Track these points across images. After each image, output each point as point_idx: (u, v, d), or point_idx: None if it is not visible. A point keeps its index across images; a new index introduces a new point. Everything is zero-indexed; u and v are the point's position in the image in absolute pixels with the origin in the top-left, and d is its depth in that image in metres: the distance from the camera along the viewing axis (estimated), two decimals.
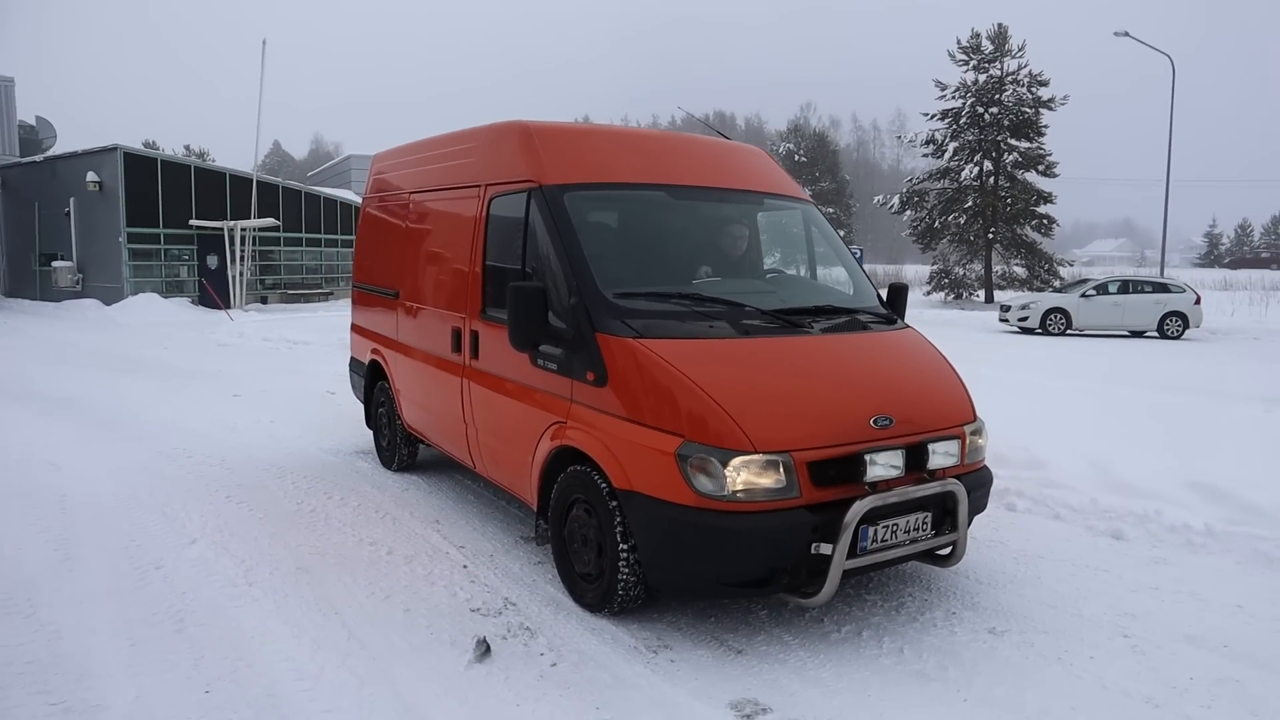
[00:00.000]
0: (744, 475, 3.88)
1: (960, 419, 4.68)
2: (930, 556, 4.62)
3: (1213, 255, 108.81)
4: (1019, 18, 35.25)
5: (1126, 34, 26.32)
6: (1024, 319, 22.93)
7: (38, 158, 27.25)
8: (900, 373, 4.75)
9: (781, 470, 3.93)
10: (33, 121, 30.26)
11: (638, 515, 4.10)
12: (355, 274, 7.91)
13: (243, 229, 23.95)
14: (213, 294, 22.91)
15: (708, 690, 3.77)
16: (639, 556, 4.19)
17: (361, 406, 7.96)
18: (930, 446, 4.36)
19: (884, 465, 4.16)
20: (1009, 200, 34.94)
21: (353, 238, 29.93)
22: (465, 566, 5.14)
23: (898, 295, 5.55)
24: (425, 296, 6.24)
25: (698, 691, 3.76)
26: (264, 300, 26.08)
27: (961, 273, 37.69)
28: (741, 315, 4.61)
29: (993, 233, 35.02)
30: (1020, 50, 33.85)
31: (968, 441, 4.65)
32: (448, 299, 5.84)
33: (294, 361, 14.35)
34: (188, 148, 68.09)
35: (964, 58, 34.85)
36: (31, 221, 26.36)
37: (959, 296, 37.16)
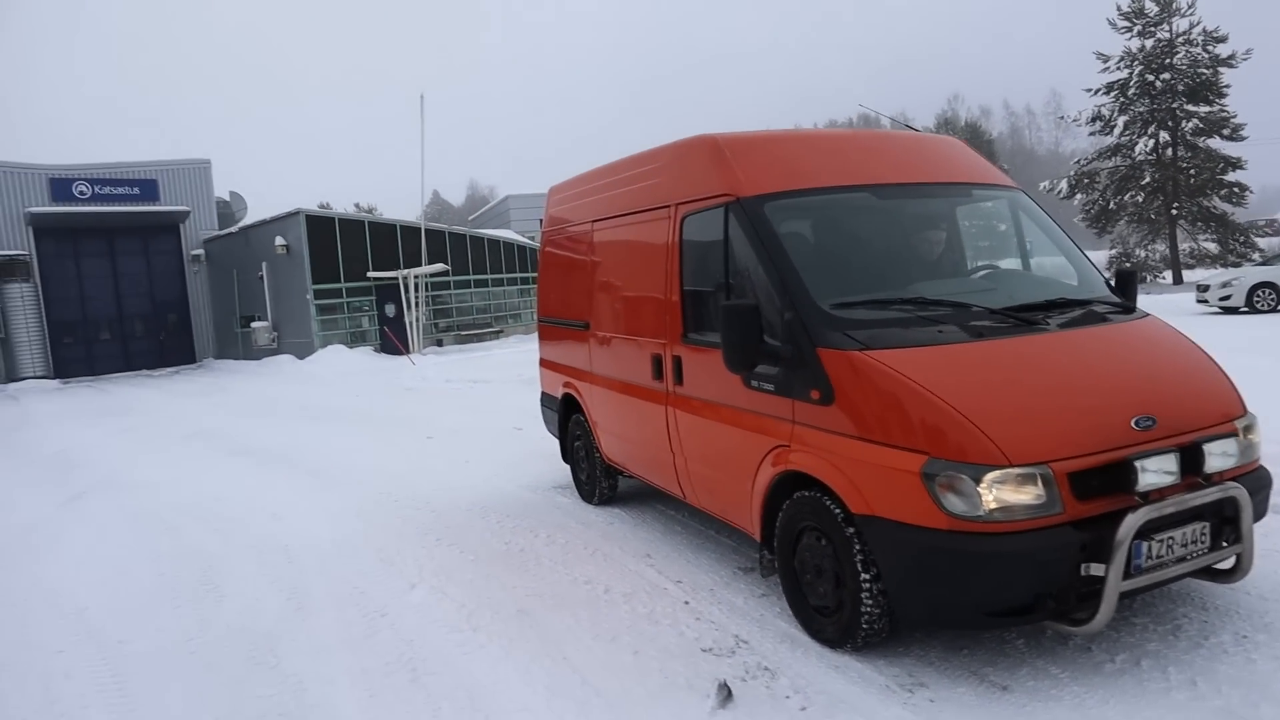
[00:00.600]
0: (999, 492, 3.53)
1: (1230, 413, 4.14)
2: (1208, 572, 4.08)
3: None
4: None
5: None
6: (1226, 297, 20.83)
7: (233, 229, 29.71)
8: (1154, 365, 4.26)
9: (1041, 484, 3.55)
10: (227, 197, 33.03)
11: (881, 542, 3.81)
12: (540, 309, 7.99)
13: (415, 276, 25.15)
14: (394, 340, 24.13)
15: None
16: (884, 586, 3.89)
17: (555, 441, 8.01)
18: (1205, 447, 3.85)
19: (1156, 472, 3.70)
20: (1192, 171, 32.14)
21: (518, 275, 31.14)
22: (687, 603, 4.97)
23: (1128, 281, 5.05)
24: (618, 325, 6.17)
25: None
26: (440, 343, 27.27)
27: (1143, 254, 34.95)
28: (969, 316, 4.26)
29: (1176, 208, 32.30)
30: (1190, 7, 31.20)
31: (1241, 439, 4.09)
32: (644, 325, 5.74)
33: (477, 400, 14.79)
34: (357, 205, 72.80)
35: (1126, 24, 32.45)
36: (231, 287, 28.71)
37: (1143, 280, 34.42)
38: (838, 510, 4.04)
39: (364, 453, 10.49)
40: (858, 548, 3.94)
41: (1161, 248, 34.61)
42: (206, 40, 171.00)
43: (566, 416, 7.59)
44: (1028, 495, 3.54)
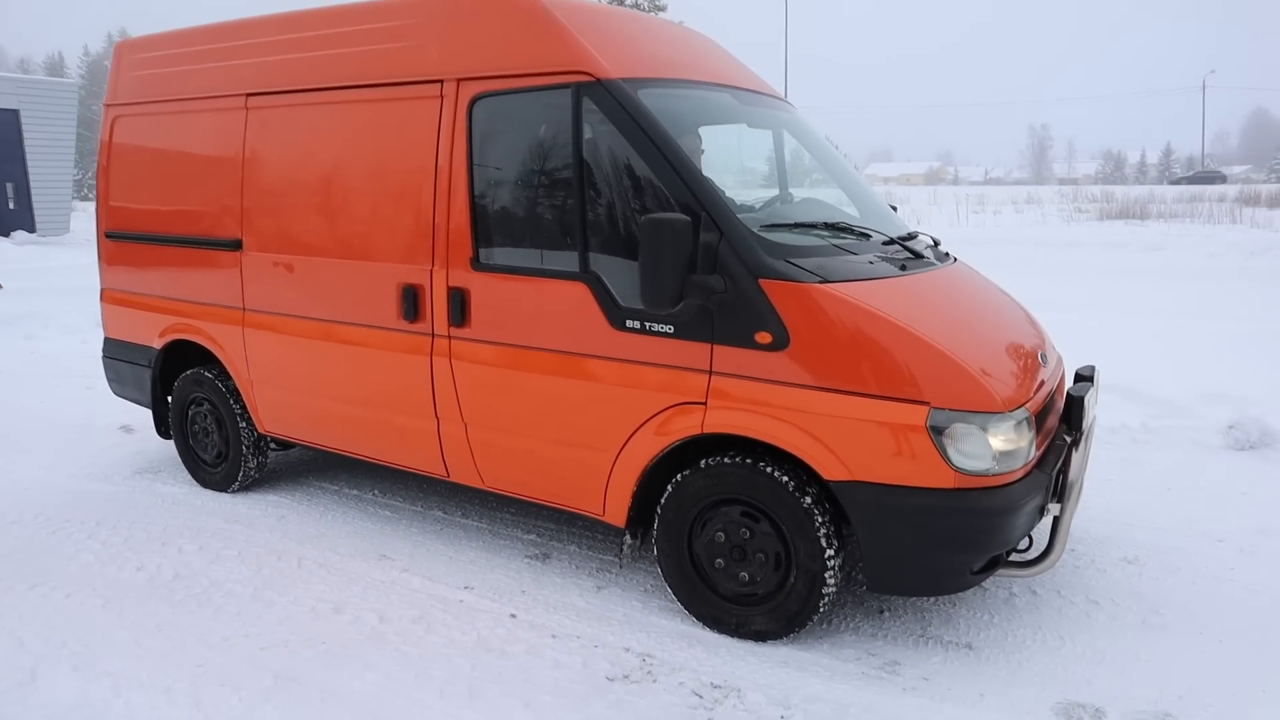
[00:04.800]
0: (1001, 441, 3.12)
1: None
2: None
3: None
4: None
5: None
6: None
7: None
8: (1010, 304, 4.25)
9: (1026, 429, 3.23)
10: None
11: (869, 510, 3.15)
12: (109, 219, 5.47)
13: None
14: None
15: (1013, 698, 3.04)
16: (865, 561, 3.25)
17: (75, 408, 6.01)
18: (1094, 379, 3.92)
19: (1090, 407, 3.65)
20: None
21: None
22: (513, 616, 3.72)
23: None
24: (321, 244, 4.37)
25: (1006, 702, 3.03)
26: None
27: None
28: (874, 247, 3.74)
29: None
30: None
31: None
32: (381, 246, 4.12)
33: None
34: None
35: None
36: None
37: None
38: (785, 479, 3.26)
39: None
40: (820, 520, 3.23)
41: None
42: None
43: (171, 374, 5.38)
44: (1023, 441, 3.19)
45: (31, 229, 30.76)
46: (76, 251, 25.43)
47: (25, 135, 31.41)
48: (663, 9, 34.36)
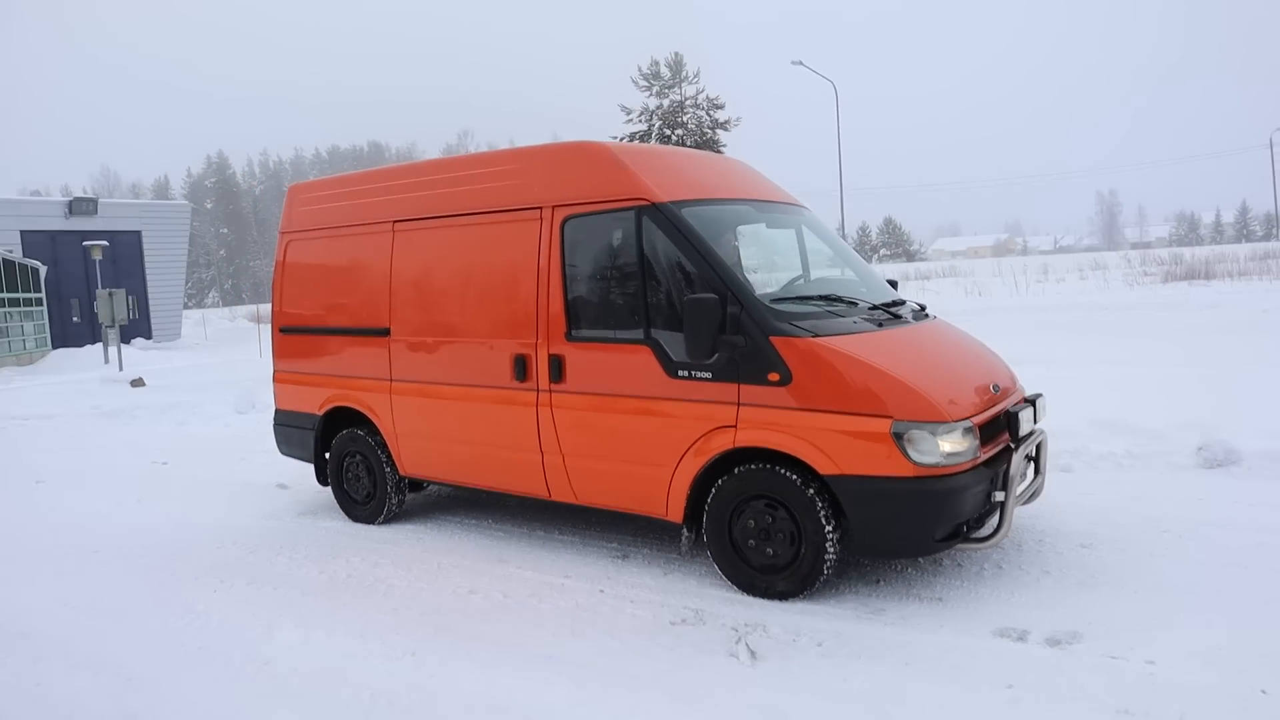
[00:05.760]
0: (948, 444, 4.36)
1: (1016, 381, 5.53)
2: None
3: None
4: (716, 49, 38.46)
5: (801, 63, 30.14)
6: None
7: None
8: (974, 349, 5.49)
9: (970, 435, 4.46)
10: None
11: (853, 495, 4.40)
12: (283, 319, 7.12)
13: None
14: None
15: (965, 627, 4.21)
16: (851, 532, 4.49)
17: (227, 471, 7.40)
18: (1036, 403, 5.13)
19: (1026, 422, 4.86)
20: None
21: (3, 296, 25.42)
22: (601, 591, 5.02)
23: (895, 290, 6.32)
24: (450, 329, 5.90)
25: (958, 630, 4.21)
26: None
27: None
28: (859, 311, 5.06)
29: None
30: (696, 76, 37.23)
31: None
32: (498, 327, 5.61)
33: (58, 438, 12.05)
34: None
35: (646, 84, 37.56)
36: None
37: None
38: (795, 476, 4.55)
39: None
40: (820, 505, 4.50)
41: None
42: None
43: (329, 434, 6.92)
44: (966, 444, 4.42)
45: (149, 336, 33.72)
46: (190, 354, 28.07)
47: (145, 253, 34.74)
48: (719, 142, 36.54)
